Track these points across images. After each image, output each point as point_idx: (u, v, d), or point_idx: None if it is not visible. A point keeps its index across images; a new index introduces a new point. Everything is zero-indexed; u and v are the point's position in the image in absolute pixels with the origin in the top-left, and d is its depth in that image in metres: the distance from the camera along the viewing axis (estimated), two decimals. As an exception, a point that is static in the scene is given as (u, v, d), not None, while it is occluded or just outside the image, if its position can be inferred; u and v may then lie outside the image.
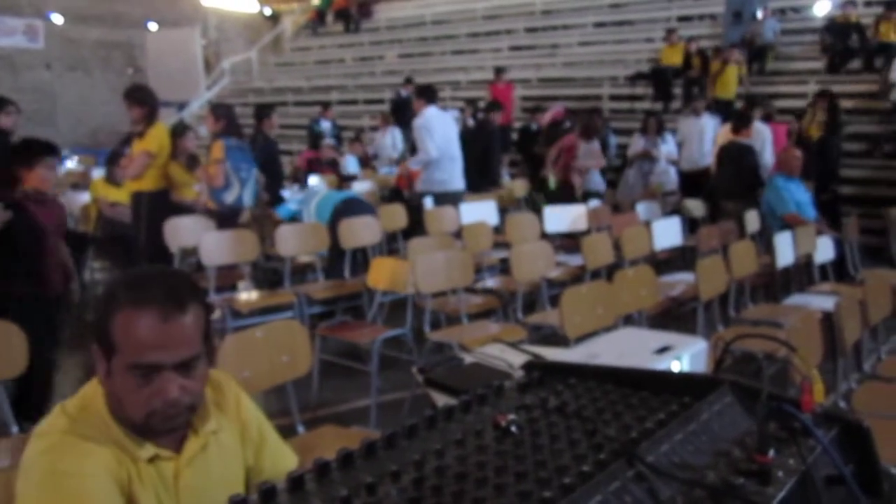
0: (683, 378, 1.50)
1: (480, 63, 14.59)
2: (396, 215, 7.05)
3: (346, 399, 4.49)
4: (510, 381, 1.42)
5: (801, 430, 1.09)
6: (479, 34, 16.15)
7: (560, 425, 1.19)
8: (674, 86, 11.73)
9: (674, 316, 5.09)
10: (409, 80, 13.03)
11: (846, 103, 10.09)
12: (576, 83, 13.29)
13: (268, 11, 20.89)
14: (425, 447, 1.12)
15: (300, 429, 3.27)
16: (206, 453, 1.44)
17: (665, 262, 6.51)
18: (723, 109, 9.86)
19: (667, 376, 1.48)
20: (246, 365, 2.80)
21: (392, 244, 7.09)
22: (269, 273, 6.59)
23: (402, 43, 17.12)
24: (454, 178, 7.06)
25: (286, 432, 2.85)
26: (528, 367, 1.49)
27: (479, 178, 8.81)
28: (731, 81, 10.38)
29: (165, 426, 1.37)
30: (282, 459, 1.60)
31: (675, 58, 11.68)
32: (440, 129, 6.89)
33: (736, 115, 7.86)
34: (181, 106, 15.85)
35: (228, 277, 5.81)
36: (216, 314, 5.74)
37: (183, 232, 5.70)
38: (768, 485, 0.99)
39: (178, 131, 6.38)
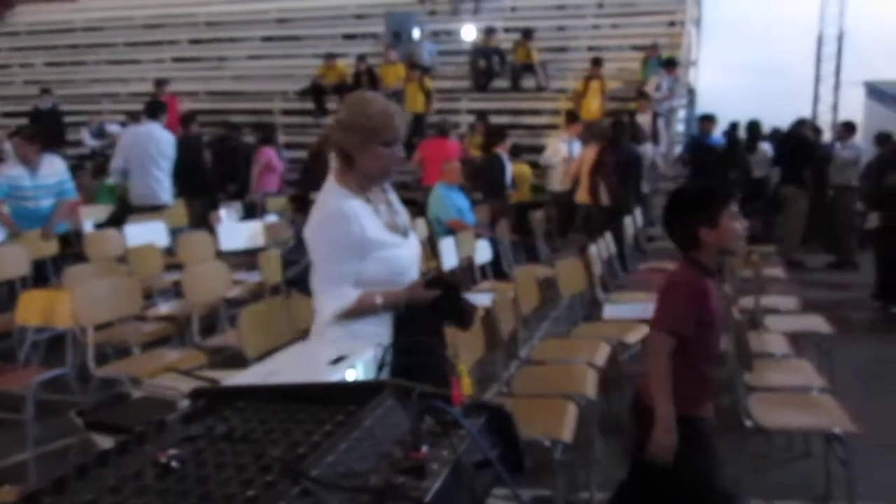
0: (349, 387, 1.55)
1: (141, 74, 13.73)
2: (43, 242, 6.06)
3: (-1, 455, 3.93)
4: (174, 413, 1.35)
5: (452, 422, 1.19)
6: (138, 44, 15.17)
7: (227, 452, 1.15)
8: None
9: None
10: (46, 91, 12.41)
11: (498, 119, 11.32)
12: (246, 97, 13.15)
13: None
14: (74, 501, 1.02)
15: (-66, 499, 2.78)
16: None
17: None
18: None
19: (333, 387, 1.51)
20: None
21: (41, 274, 6.14)
22: None
23: (49, 50, 15.49)
24: (153, 192, 7.18)
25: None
26: (193, 395, 1.42)
27: (191, 189, 8.43)
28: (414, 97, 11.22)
29: None
30: None
31: (331, 77, 12.42)
32: (137, 144, 7.14)
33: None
34: None
35: None
36: None
37: None
38: (424, 479, 1.06)
39: None
